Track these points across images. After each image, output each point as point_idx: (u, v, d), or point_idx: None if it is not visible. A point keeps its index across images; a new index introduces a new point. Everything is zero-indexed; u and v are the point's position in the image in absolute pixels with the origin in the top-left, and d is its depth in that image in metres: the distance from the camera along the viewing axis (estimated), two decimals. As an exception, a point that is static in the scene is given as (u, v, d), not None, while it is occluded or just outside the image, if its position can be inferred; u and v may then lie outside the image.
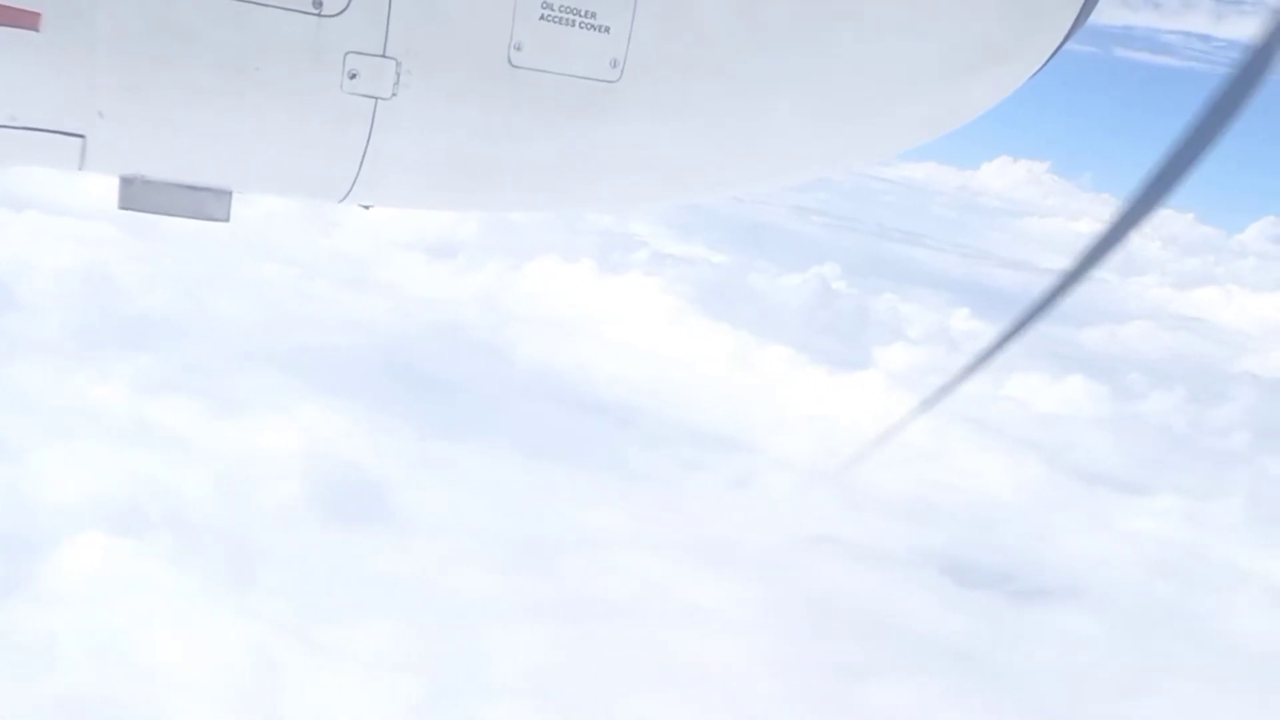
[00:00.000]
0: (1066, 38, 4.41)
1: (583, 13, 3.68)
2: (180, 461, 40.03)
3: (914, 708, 35.16)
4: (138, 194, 3.70)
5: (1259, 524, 52.49)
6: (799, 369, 62.64)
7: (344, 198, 3.92)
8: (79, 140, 3.53)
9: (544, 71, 3.71)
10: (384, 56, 3.54)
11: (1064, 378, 70.21)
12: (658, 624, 37.17)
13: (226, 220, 3.81)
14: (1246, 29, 4.25)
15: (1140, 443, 62.58)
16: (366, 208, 4.13)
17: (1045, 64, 4.49)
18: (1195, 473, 58.41)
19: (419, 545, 38.04)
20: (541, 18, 3.65)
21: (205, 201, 3.77)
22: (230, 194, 3.81)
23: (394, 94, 3.59)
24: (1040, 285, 4.65)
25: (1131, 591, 45.64)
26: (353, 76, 3.54)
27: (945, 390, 5.17)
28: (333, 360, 55.05)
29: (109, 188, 3.77)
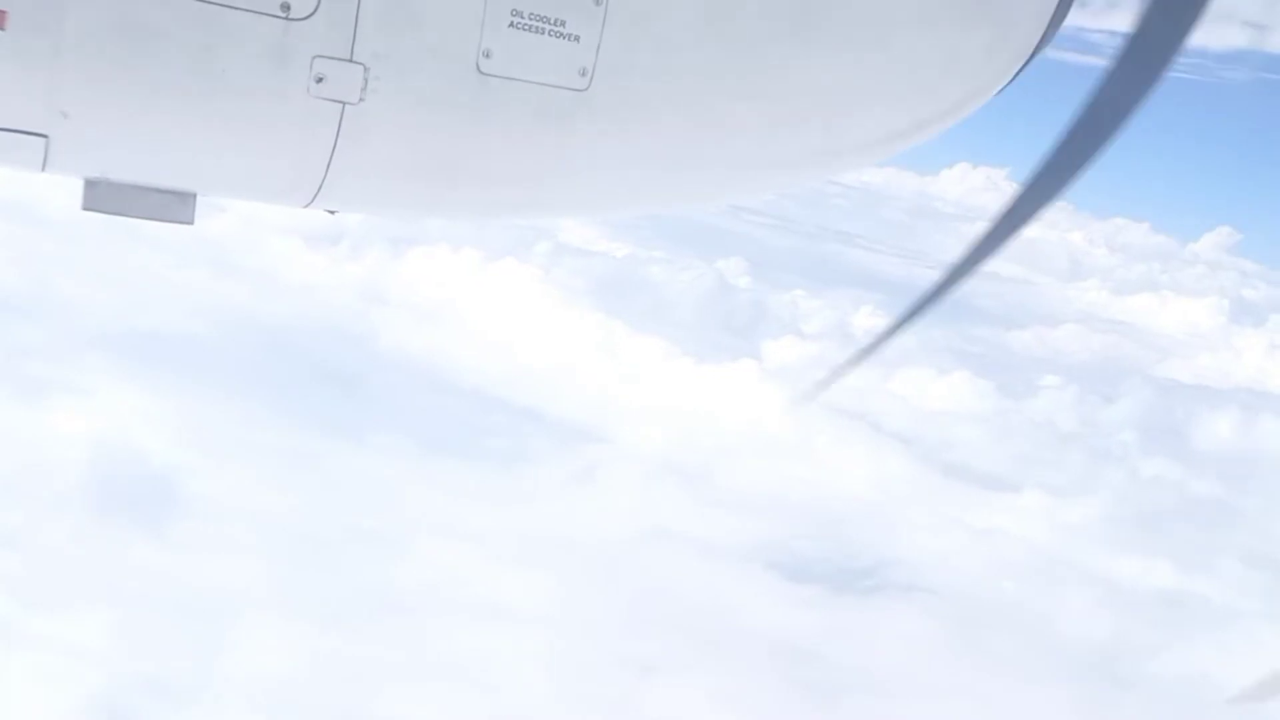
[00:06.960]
0: (1036, 51, 4.42)
1: (552, 21, 3.65)
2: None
3: (704, 704, 33.48)
4: (102, 196, 3.62)
5: (1116, 525, 51.35)
6: (669, 361, 61.15)
7: (310, 202, 3.81)
8: (42, 140, 3.42)
9: (513, 79, 3.67)
10: (352, 61, 3.49)
11: (952, 373, 68.84)
12: (446, 620, 35.46)
13: (191, 223, 3.75)
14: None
15: (1021, 441, 61.21)
16: (332, 212, 4.06)
17: (1015, 76, 4.49)
18: (1068, 472, 57.08)
19: (196, 537, 36.09)
20: (511, 25, 3.60)
21: (169, 204, 3.71)
22: (195, 196, 3.75)
23: (361, 99, 3.53)
24: (930, 279, 4.79)
25: (972, 589, 44.18)
26: (320, 81, 3.48)
27: (826, 383, 5.49)
28: (177, 347, 53.53)
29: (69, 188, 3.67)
